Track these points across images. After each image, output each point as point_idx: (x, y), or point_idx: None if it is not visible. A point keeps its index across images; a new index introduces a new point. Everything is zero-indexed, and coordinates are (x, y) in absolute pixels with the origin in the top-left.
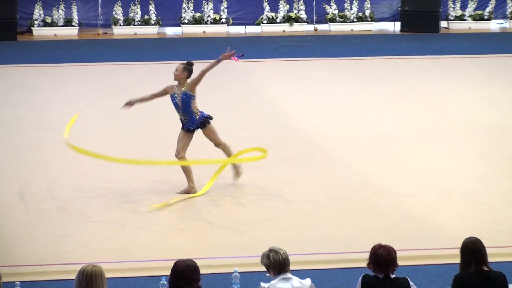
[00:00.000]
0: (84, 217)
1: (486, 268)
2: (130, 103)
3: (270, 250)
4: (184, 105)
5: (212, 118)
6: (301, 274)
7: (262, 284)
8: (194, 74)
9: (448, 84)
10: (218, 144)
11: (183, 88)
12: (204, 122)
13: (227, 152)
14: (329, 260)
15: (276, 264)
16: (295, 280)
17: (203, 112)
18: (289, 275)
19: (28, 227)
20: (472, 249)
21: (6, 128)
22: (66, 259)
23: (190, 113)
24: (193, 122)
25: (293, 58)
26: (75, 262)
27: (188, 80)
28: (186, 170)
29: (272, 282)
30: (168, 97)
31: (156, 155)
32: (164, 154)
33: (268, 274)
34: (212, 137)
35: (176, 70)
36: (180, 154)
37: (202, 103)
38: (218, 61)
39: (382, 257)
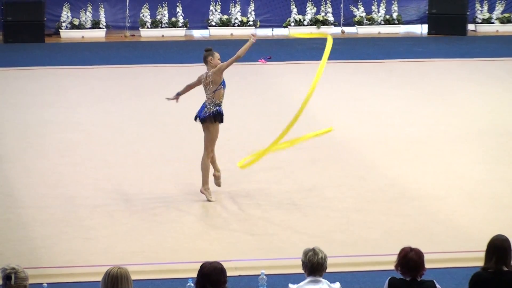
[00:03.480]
0: (112, 219)
1: (506, 269)
2: (177, 96)
3: (312, 249)
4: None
5: (221, 119)
6: (329, 276)
7: (290, 285)
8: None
9: (475, 87)
10: (205, 147)
11: (210, 72)
12: (217, 115)
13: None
14: (356, 263)
15: (309, 264)
16: (325, 283)
17: (220, 109)
18: (319, 278)
19: (55, 229)
20: (498, 246)
21: (34, 130)
22: (93, 261)
23: (210, 99)
24: (206, 110)
25: (320, 61)
26: (102, 264)
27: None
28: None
29: (301, 283)
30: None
31: (184, 156)
32: (192, 155)
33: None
34: (214, 136)
35: (209, 63)
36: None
37: (230, 105)
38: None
39: (412, 260)
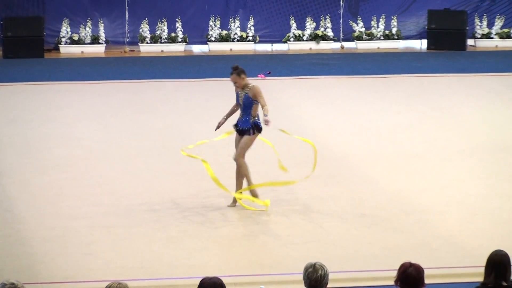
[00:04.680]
0: (111, 235)
1: (505, 284)
2: (219, 125)
3: (313, 265)
4: (246, 105)
5: (260, 132)
6: None
7: None
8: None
9: (474, 102)
10: (237, 157)
11: (245, 90)
12: (254, 128)
13: (238, 172)
14: (356, 278)
15: (308, 281)
16: None
17: (259, 122)
18: None
19: (54, 244)
20: (497, 261)
21: (33, 145)
22: (93, 277)
23: (248, 114)
24: (246, 122)
25: (319, 76)
26: (102, 279)
27: (252, 84)
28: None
29: None
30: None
31: (183, 172)
32: (191, 171)
33: None
34: (245, 146)
35: (235, 82)
36: (241, 158)
37: (229, 120)
38: (265, 115)
39: (411, 276)
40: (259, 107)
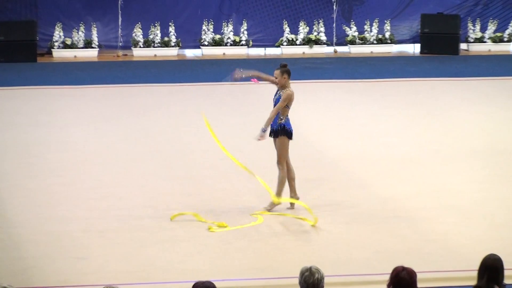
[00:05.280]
0: (104, 239)
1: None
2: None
3: (309, 269)
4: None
5: (291, 134)
6: None
7: None
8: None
9: (468, 106)
10: (279, 161)
11: (280, 92)
12: (280, 130)
13: (280, 177)
14: (348, 282)
15: (305, 285)
16: None
17: (289, 124)
18: None
19: (48, 248)
20: (490, 265)
21: (26, 149)
22: (86, 281)
23: (277, 116)
24: (275, 122)
25: (313, 80)
26: (95, 283)
27: (289, 89)
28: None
29: None
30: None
31: (176, 176)
32: (184, 175)
33: None
34: (279, 150)
35: (276, 78)
36: (279, 162)
37: (222, 125)
38: (263, 130)
39: (404, 280)
40: (289, 111)
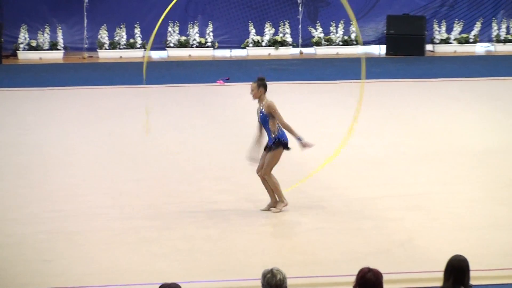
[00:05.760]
0: (69, 241)
1: None
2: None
3: (270, 271)
4: (262, 122)
5: (287, 145)
6: None
7: None
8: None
9: (433, 107)
10: (263, 174)
11: (261, 106)
12: (275, 143)
13: (266, 185)
14: (315, 283)
15: (268, 287)
16: None
17: (284, 135)
18: None
19: (12, 251)
20: (455, 266)
21: None
22: (52, 283)
23: (268, 130)
24: (269, 139)
25: (278, 82)
26: (60, 286)
27: (267, 100)
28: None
29: None
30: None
31: (142, 178)
32: (150, 177)
33: None
34: (269, 161)
35: (252, 90)
36: (259, 171)
37: (188, 126)
38: (299, 139)
39: (370, 281)
40: (276, 122)
